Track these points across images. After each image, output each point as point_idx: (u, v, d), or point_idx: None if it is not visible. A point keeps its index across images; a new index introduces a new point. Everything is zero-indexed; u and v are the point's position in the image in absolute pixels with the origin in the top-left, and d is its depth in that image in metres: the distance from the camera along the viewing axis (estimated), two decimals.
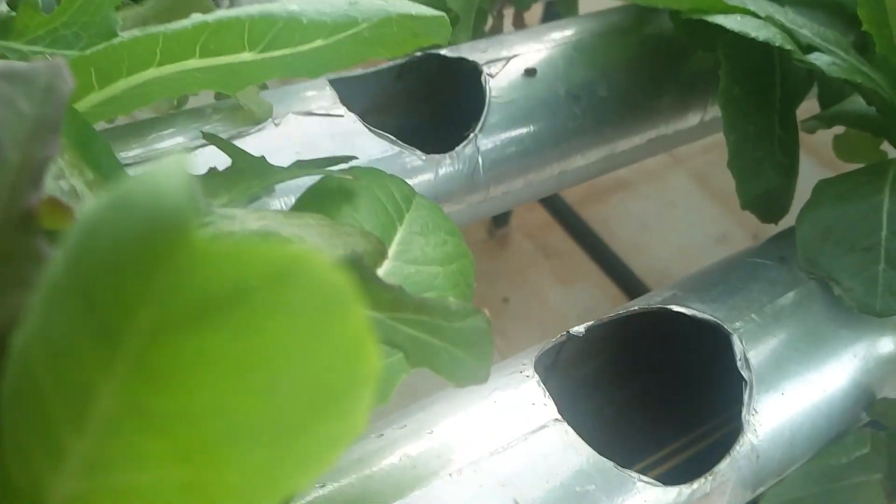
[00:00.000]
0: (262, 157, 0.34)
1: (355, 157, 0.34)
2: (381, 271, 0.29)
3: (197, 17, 0.31)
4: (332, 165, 0.32)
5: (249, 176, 0.31)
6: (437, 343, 0.24)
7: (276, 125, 0.50)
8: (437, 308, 0.24)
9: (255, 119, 0.51)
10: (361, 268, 0.23)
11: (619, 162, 0.65)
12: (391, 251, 0.30)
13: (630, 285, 0.94)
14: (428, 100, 0.65)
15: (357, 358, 0.13)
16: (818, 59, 0.47)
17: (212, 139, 0.35)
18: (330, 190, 0.30)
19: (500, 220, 1.10)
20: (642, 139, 0.64)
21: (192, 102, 0.53)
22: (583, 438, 0.38)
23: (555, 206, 1.06)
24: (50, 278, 0.13)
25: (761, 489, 0.45)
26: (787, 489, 0.49)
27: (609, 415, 0.53)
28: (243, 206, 0.31)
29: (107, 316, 0.11)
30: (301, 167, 0.31)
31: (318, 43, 0.33)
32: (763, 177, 0.54)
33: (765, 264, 0.49)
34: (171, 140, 0.48)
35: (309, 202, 0.30)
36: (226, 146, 0.34)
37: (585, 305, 1.01)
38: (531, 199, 0.62)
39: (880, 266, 0.46)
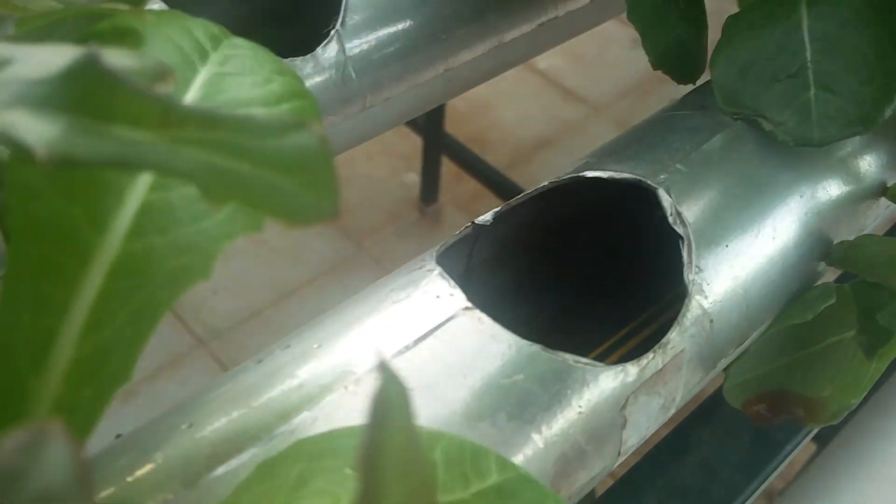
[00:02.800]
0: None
1: None
2: None
3: None
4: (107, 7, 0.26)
5: None
6: (245, 169, 0.18)
7: None
8: (236, 121, 0.18)
9: None
10: (101, 70, 0.17)
11: (511, 56, 0.60)
12: (190, 95, 0.24)
13: None
14: (286, 21, 0.59)
15: None
16: None
17: None
18: (101, 34, 0.24)
19: (430, 196, 1.08)
20: (531, 25, 0.59)
21: None
22: None
23: (483, 173, 1.05)
24: None
25: (723, 361, 0.40)
26: (752, 364, 0.44)
27: (543, 321, 0.47)
28: None
29: None
30: (67, 9, 0.25)
31: None
32: (668, 25, 0.49)
33: (683, 115, 0.44)
34: None
35: None
36: None
37: None
38: (420, 107, 0.56)
39: (811, 92, 0.42)
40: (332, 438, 0.25)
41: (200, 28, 0.25)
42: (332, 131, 0.50)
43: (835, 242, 0.45)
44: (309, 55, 0.47)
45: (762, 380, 0.44)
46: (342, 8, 0.49)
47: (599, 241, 0.49)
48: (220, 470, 0.27)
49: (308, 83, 0.48)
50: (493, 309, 0.46)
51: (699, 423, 0.46)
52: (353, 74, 0.49)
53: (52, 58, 0.19)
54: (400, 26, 0.51)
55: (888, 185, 0.47)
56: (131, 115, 0.17)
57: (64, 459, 0.13)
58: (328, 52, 0.48)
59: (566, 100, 1.31)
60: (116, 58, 0.20)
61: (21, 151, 0.16)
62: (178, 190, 0.21)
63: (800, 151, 0.43)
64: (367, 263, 1.05)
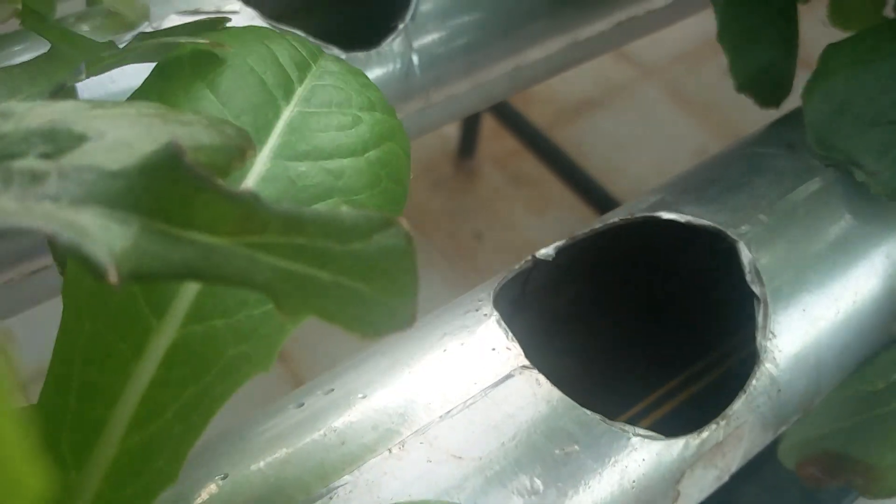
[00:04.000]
0: (109, 42, 0.27)
1: (228, 19, 0.27)
2: (252, 176, 0.22)
3: None
4: (191, 32, 0.25)
5: (68, 62, 0.24)
6: (325, 277, 0.17)
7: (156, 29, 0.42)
8: (321, 224, 0.17)
9: (128, 24, 0.43)
10: (182, 168, 0.16)
11: (582, 54, 0.58)
12: (271, 144, 0.23)
13: (607, 209, 0.90)
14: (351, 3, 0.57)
15: None
16: None
17: (29, 22, 0.28)
18: (179, 65, 0.23)
19: (467, 151, 1.07)
20: (609, 23, 0.57)
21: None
22: (562, 388, 0.32)
23: (523, 131, 1.04)
24: None
25: (783, 428, 0.39)
26: (812, 425, 0.43)
27: (592, 355, 0.46)
28: (45, 97, 0.24)
29: None
30: (143, 39, 0.24)
31: None
32: (760, 49, 0.47)
33: (770, 153, 0.42)
34: (23, 57, 0.41)
35: (151, 86, 0.23)
36: (45, 28, 0.27)
37: (562, 234, 0.99)
38: (482, 104, 0.55)
39: None
40: None
41: (286, 52, 0.24)
42: None
43: None
44: (374, 50, 0.46)
45: (820, 441, 0.43)
46: (414, 1, 0.47)
47: (659, 277, 0.48)
48: None
49: (370, 75, 0.46)
50: (545, 337, 0.45)
51: (747, 479, 0.45)
52: (417, 70, 0.48)
53: (129, 136, 0.17)
54: (470, 19, 0.50)
55: None
56: (210, 219, 0.16)
57: None
58: (396, 46, 0.46)
59: (616, 60, 1.27)
60: (196, 133, 0.19)
61: (90, 267, 0.15)
62: None
63: (889, 206, 0.41)
64: None
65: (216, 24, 0.27)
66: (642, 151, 1.09)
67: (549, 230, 0.99)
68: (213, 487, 0.27)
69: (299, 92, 0.25)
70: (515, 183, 1.09)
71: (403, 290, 0.19)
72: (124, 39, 0.43)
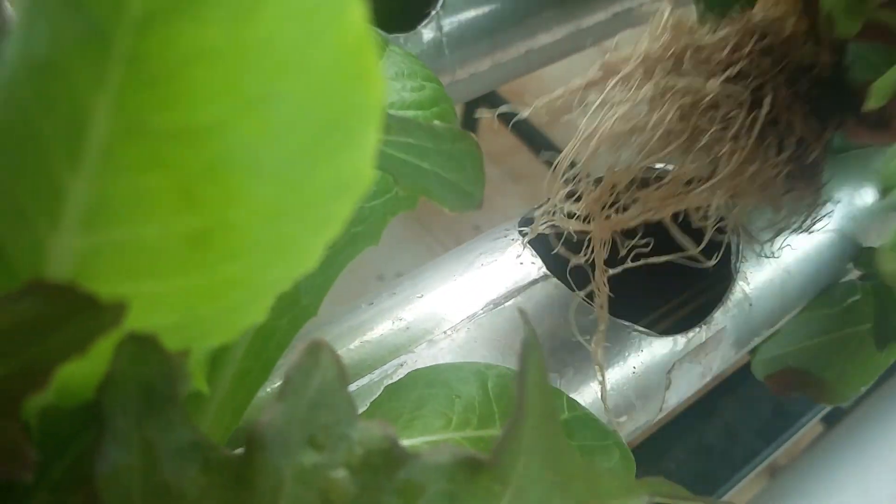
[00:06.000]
0: None
1: None
2: None
3: None
4: None
5: None
6: (426, 167, 0.24)
7: None
8: (423, 129, 0.24)
9: None
10: None
11: (586, 40, 0.65)
12: None
13: None
14: None
15: (358, 75, 0.13)
16: None
17: None
18: None
19: None
20: (607, 14, 0.64)
21: None
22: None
23: (520, 129, 1.08)
24: None
25: (756, 339, 0.45)
26: (779, 344, 0.49)
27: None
28: None
29: (94, 9, 0.11)
30: None
31: None
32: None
33: None
34: None
35: None
36: None
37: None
38: (498, 82, 0.62)
39: None
40: (439, 371, 0.31)
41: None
42: None
43: (863, 245, 0.50)
44: (411, 32, 0.52)
45: (786, 358, 0.50)
46: None
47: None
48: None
49: None
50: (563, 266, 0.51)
51: (725, 392, 0.52)
52: (446, 50, 0.54)
53: None
54: (491, 8, 0.56)
55: None
56: None
57: (333, 360, 0.18)
58: (428, 30, 0.53)
59: None
60: None
61: None
62: None
63: (842, 160, 0.48)
64: None
65: None
66: None
67: None
68: None
69: (380, 63, 0.32)
70: (513, 178, 1.12)
71: (476, 180, 0.26)
72: None
